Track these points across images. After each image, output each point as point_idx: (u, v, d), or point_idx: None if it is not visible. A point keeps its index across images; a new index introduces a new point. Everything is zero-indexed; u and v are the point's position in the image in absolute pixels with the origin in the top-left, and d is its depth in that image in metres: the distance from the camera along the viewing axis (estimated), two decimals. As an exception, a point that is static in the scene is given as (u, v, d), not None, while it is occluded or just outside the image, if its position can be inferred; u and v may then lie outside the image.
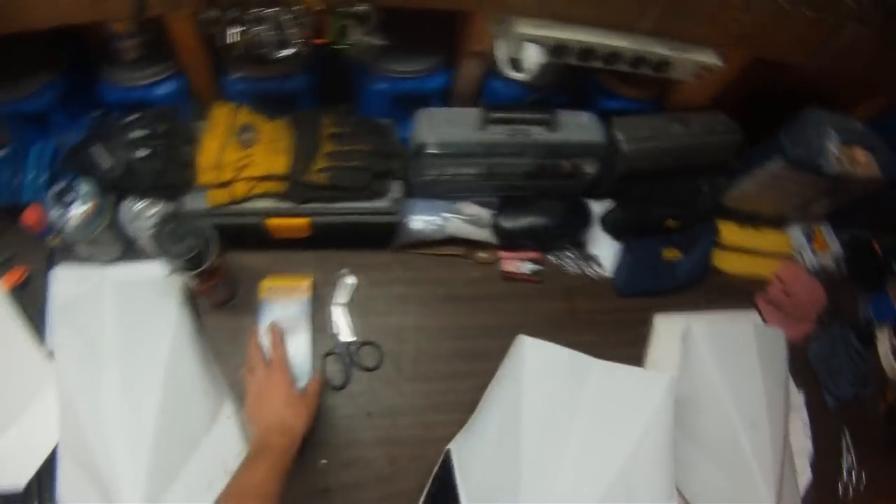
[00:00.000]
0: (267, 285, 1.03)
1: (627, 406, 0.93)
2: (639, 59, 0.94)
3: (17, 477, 0.90)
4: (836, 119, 1.01)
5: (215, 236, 0.88)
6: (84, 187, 0.95)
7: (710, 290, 1.15)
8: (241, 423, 0.95)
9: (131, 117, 0.96)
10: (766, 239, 1.18)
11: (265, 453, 0.81)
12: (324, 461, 0.97)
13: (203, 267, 0.87)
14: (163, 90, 1.00)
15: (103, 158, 0.94)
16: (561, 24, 0.91)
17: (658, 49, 0.93)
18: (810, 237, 1.19)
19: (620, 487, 0.86)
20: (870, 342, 1.16)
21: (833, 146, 0.98)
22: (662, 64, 0.95)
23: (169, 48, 0.96)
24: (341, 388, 1.01)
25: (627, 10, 0.89)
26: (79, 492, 0.88)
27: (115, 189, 0.98)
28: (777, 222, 1.20)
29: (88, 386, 0.90)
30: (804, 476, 1.05)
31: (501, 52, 0.95)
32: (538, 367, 0.93)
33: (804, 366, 1.13)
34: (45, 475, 0.91)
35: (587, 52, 0.93)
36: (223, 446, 0.91)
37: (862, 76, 0.99)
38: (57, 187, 0.94)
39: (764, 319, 1.14)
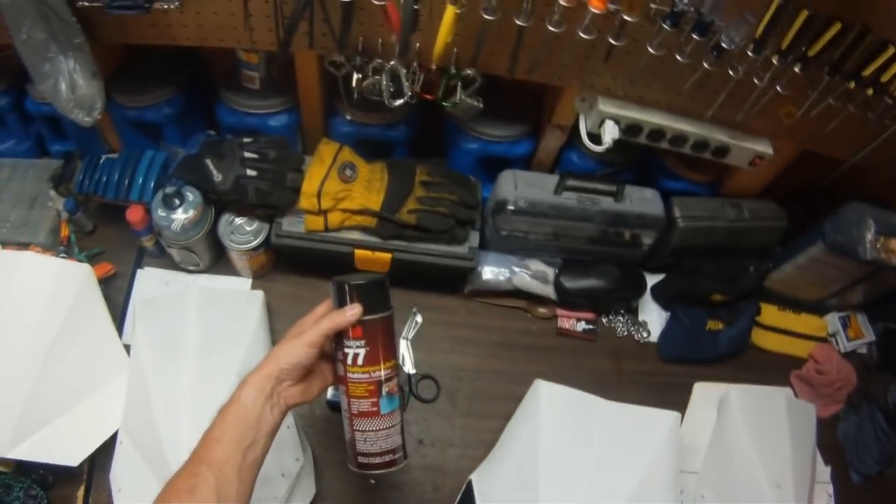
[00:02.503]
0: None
1: (636, 440, 1.04)
2: (701, 144, 1.09)
3: (74, 454, 0.98)
4: (876, 213, 1.15)
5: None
6: (192, 195, 1.08)
7: (747, 365, 1.27)
8: (300, 433, 1.03)
9: (246, 140, 1.10)
10: (803, 322, 1.31)
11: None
12: (372, 481, 1.06)
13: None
14: (276, 121, 1.16)
15: (215, 171, 1.07)
16: (638, 106, 1.06)
17: (719, 136, 1.08)
18: (846, 324, 1.32)
19: None
20: (896, 425, 1.26)
21: (871, 235, 1.12)
22: (722, 150, 1.10)
23: (289, 84, 1.12)
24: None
25: (697, 99, 1.04)
26: (135, 473, 0.97)
27: (220, 202, 1.11)
28: (815, 308, 1.33)
29: (164, 378, 1.00)
30: (829, 547, 1.14)
31: (583, 126, 1.10)
32: (554, 406, 1.05)
33: (832, 442, 1.23)
34: (100, 457, 1.00)
35: (657, 133, 1.08)
36: (282, 452, 0.99)
37: None
38: (167, 190, 1.06)
39: (797, 395, 1.25)
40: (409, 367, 1.15)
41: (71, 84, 0.96)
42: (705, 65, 0.94)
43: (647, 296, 1.28)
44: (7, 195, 1.21)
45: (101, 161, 1.14)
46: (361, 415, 0.80)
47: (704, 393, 1.21)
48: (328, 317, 0.78)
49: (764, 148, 1.10)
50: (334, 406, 1.10)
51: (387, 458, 0.81)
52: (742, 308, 1.25)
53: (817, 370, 1.26)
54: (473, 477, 1.02)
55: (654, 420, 1.07)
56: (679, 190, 1.22)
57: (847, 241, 1.14)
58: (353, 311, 0.77)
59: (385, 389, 0.80)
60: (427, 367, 1.16)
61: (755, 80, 0.95)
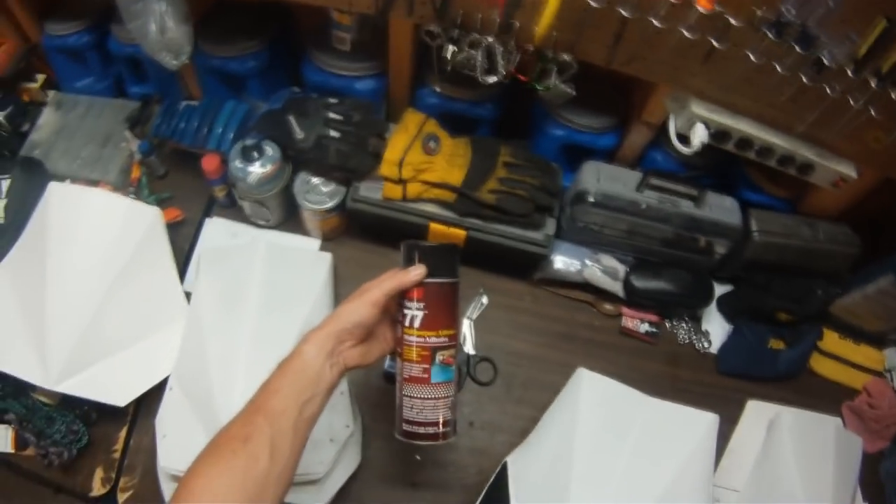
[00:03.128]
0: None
1: (672, 438, 1.02)
2: (787, 159, 1.08)
3: (122, 394, 0.98)
4: None
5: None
6: (271, 150, 1.07)
7: (801, 389, 1.25)
8: (352, 401, 1.03)
9: (331, 100, 1.09)
10: (862, 353, 1.29)
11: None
12: (418, 457, 1.05)
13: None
14: (363, 85, 1.15)
15: (297, 129, 1.07)
16: (731, 112, 1.05)
17: (806, 152, 1.07)
18: (904, 360, 1.31)
19: None
20: (943, 471, 1.25)
21: None
22: (806, 167, 1.08)
23: (379, 49, 1.11)
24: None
25: (789, 112, 1.02)
26: (182, 421, 0.96)
27: (299, 160, 1.10)
28: (876, 340, 1.31)
29: (223, 328, 0.99)
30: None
31: (672, 126, 1.09)
32: (594, 396, 1.04)
33: (873, 479, 1.21)
34: (147, 400, 1.00)
35: (746, 142, 1.07)
36: (333, 417, 0.98)
37: None
38: (247, 142, 1.05)
39: (846, 426, 1.24)
40: (469, 348, 1.14)
41: (161, 26, 0.96)
42: (803, 79, 0.93)
43: (713, 306, 1.26)
44: (81, 132, 1.21)
45: (181, 107, 1.14)
46: (412, 380, 0.80)
47: (757, 411, 1.20)
48: (392, 275, 0.78)
49: (848, 170, 1.08)
50: (390, 377, 1.08)
51: (430, 429, 0.81)
52: (805, 330, 1.23)
53: (869, 403, 1.24)
54: (509, 459, 1.01)
55: (693, 420, 1.05)
56: (757, 202, 1.20)
57: (918, 278, 1.13)
58: (417, 270, 0.77)
59: (439, 358, 0.79)
60: (486, 350, 1.15)
61: (851, 101, 0.94)
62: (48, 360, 0.95)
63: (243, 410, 0.69)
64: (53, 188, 1.01)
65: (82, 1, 1.19)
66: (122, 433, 1.01)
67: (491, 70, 1.02)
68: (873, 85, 0.90)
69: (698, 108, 1.04)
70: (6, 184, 1.10)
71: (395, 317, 0.82)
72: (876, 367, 1.30)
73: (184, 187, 1.19)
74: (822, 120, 1.01)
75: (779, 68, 0.93)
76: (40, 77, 1.26)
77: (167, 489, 0.95)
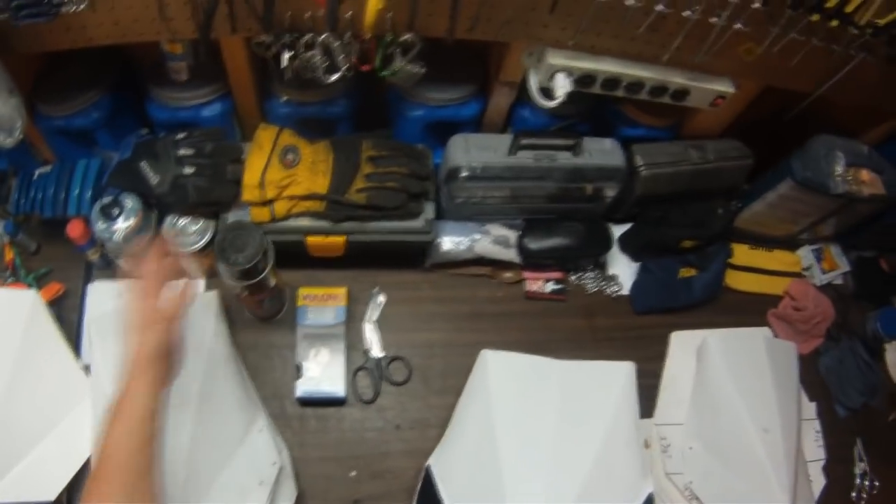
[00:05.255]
0: (304, 293, 1.12)
1: (593, 398, 1.03)
2: (659, 89, 1.05)
3: (49, 488, 0.96)
4: (845, 144, 1.13)
5: (272, 248, 0.96)
6: (130, 202, 1.04)
7: (723, 309, 1.25)
8: (273, 435, 1.01)
9: (179, 136, 1.05)
10: (776, 259, 1.29)
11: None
12: (353, 473, 1.05)
13: (259, 277, 0.95)
14: (210, 111, 1.10)
15: (151, 174, 1.03)
16: (591, 55, 1.02)
17: (677, 79, 1.04)
18: (820, 257, 1.31)
19: (600, 471, 0.96)
20: (878, 355, 1.26)
21: (840, 167, 1.10)
22: (681, 93, 1.06)
23: (218, 71, 1.06)
24: (371, 402, 1.10)
25: (651, 43, 1.00)
26: None
27: (161, 205, 1.07)
28: (788, 243, 1.31)
29: None
30: (818, 483, 1.14)
31: (533, 81, 1.05)
32: (503, 376, 1.03)
33: (815, 378, 1.23)
34: (78, 484, 0.97)
35: (612, 81, 1.04)
36: (256, 458, 0.97)
37: (868, 102, 1.10)
38: (104, 201, 1.02)
39: (776, 334, 1.24)
40: (376, 351, 1.12)
41: (-16, 106, 0.91)
42: (658, 7, 0.90)
43: (615, 249, 1.25)
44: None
45: (35, 177, 1.09)
46: None
47: (682, 342, 1.20)
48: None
49: (725, 87, 1.06)
50: (305, 402, 1.08)
51: None
52: (713, 252, 1.23)
53: (794, 307, 1.24)
54: (431, 461, 1.00)
55: (610, 372, 1.06)
56: (639, 137, 1.18)
57: (816, 176, 1.12)
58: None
59: None
60: (396, 349, 1.13)
61: (712, 20, 0.91)
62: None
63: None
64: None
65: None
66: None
67: (332, 68, 0.97)
68: (731, -1, 0.87)
69: (555, 59, 1.01)
70: None
71: None
72: (794, 269, 1.30)
73: (59, 258, 1.14)
74: (687, 44, 0.98)
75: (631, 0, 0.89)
76: None
77: None
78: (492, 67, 1.12)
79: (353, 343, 1.13)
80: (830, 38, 0.93)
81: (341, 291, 1.12)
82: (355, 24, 0.93)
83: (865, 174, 1.12)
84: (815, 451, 1.18)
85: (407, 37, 0.96)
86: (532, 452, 0.97)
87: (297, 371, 1.06)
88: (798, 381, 1.15)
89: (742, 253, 1.28)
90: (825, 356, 1.25)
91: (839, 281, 1.32)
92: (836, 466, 1.17)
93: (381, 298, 1.17)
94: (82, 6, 0.87)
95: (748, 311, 1.26)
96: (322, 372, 1.07)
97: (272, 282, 1.02)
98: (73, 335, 1.08)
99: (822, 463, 1.17)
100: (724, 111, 1.13)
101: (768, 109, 1.20)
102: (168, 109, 1.09)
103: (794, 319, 1.24)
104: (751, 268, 1.28)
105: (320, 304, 1.11)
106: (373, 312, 1.16)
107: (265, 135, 1.07)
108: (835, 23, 0.89)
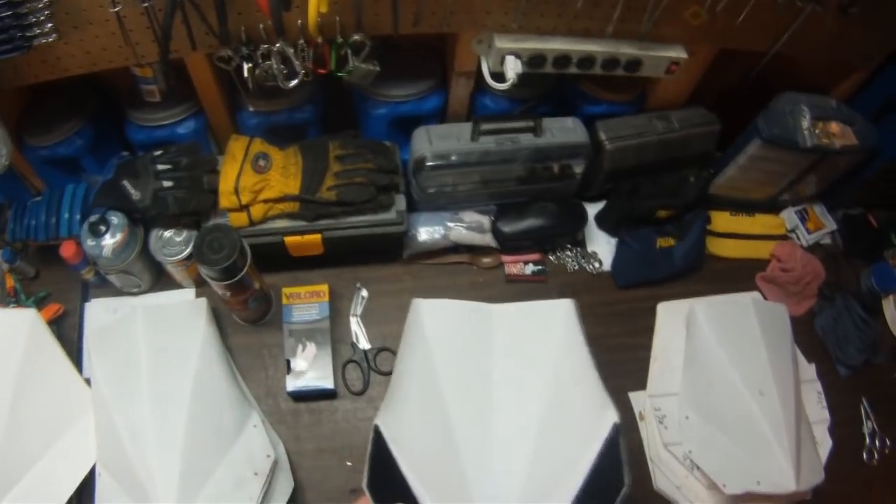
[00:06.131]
0: (287, 292, 1.15)
1: (537, 337, 1.00)
2: (611, 61, 1.07)
3: (59, 496, 1.00)
4: (810, 99, 1.13)
5: (248, 249, 1.01)
6: (115, 219, 1.09)
7: (709, 277, 1.25)
8: (268, 431, 1.04)
9: (156, 153, 1.11)
10: (760, 223, 1.29)
11: None
12: (349, 463, 1.07)
13: (239, 276, 1.00)
14: (184, 129, 1.17)
15: (132, 191, 1.09)
16: (536, 36, 1.05)
17: (627, 49, 1.06)
18: (804, 217, 1.30)
19: (556, 410, 0.92)
20: (875, 311, 1.24)
21: (806, 121, 1.10)
22: (633, 63, 1.08)
23: (189, 90, 1.13)
24: (361, 393, 1.12)
25: (595, 17, 1.03)
26: (114, 499, 0.98)
27: (145, 219, 1.12)
28: (770, 207, 1.31)
29: (124, 404, 1.01)
30: (825, 445, 1.12)
31: (485, 67, 1.09)
32: (440, 324, 1.00)
33: (812, 339, 1.21)
34: (85, 493, 1.01)
35: (563, 59, 1.07)
36: (252, 451, 1.00)
37: (828, 56, 1.11)
38: (91, 219, 1.08)
39: (766, 298, 1.23)
40: (363, 344, 1.16)
41: (-30, 136, 0.98)
42: None
43: (593, 226, 1.27)
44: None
45: (28, 206, 1.16)
46: None
47: (669, 312, 1.20)
48: None
49: (677, 53, 1.08)
50: (297, 396, 1.11)
51: None
52: (690, 220, 1.23)
53: (782, 268, 1.24)
54: (378, 422, 0.95)
55: (551, 311, 1.02)
56: (602, 114, 1.20)
57: (784, 132, 1.12)
58: None
59: None
60: (382, 340, 1.16)
61: None
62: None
63: None
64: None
65: None
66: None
67: (290, 74, 1.03)
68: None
69: (502, 43, 1.04)
70: None
71: None
72: (778, 231, 1.29)
73: (57, 281, 1.21)
74: (630, 14, 1.01)
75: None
76: None
77: None
78: (448, 60, 1.16)
79: (341, 337, 1.16)
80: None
81: (323, 288, 1.15)
82: (304, 30, 0.99)
83: (835, 126, 1.12)
84: (818, 412, 1.16)
85: (356, 37, 1.01)
86: (482, 400, 0.94)
87: (287, 367, 1.10)
88: (792, 342, 1.13)
89: (723, 220, 1.28)
90: (820, 316, 1.23)
91: (827, 241, 1.31)
92: (844, 428, 1.15)
93: (365, 293, 1.20)
94: (52, 38, 0.93)
95: (736, 277, 1.25)
96: (310, 366, 1.10)
97: (254, 282, 1.07)
98: (74, 352, 1.14)
99: (827, 424, 1.15)
100: (683, 78, 1.15)
101: (735, 77, 1.21)
102: (145, 130, 1.16)
103: (784, 281, 1.23)
104: (734, 234, 1.27)
105: (304, 302, 1.14)
106: (357, 307, 1.19)
107: (237, 145, 1.12)
108: (769, -29, 0.90)
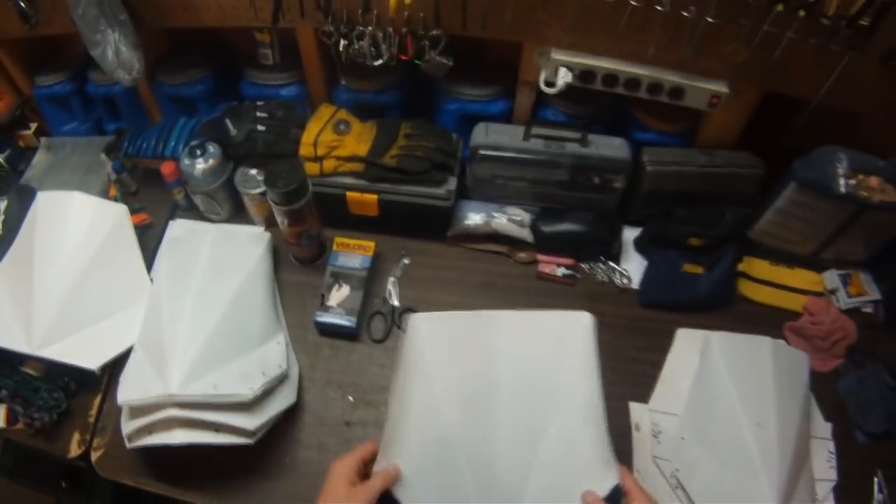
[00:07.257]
0: (339, 241, 1.30)
1: (549, 356, 0.92)
2: (655, 86, 1.18)
3: (95, 360, 1.15)
4: (853, 153, 1.16)
5: (309, 185, 1.18)
6: (212, 148, 1.29)
7: (736, 317, 1.27)
8: (289, 351, 1.16)
9: (259, 103, 1.33)
10: (798, 277, 1.30)
11: None
12: (350, 398, 1.16)
13: (299, 203, 1.16)
14: (287, 92, 1.40)
15: (232, 128, 1.29)
16: (589, 54, 1.19)
17: (670, 77, 1.17)
18: (847, 281, 1.29)
19: (562, 448, 0.87)
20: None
21: (843, 169, 1.14)
22: (676, 90, 1.18)
23: (297, 60, 1.34)
24: (381, 341, 1.22)
25: (639, 42, 1.14)
26: (140, 373, 1.09)
27: (236, 155, 1.32)
28: (812, 264, 1.32)
29: (173, 296, 1.15)
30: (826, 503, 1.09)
31: (541, 76, 1.23)
32: (440, 344, 0.95)
33: (832, 398, 1.19)
34: (117, 371, 1.14)
35: (611, 77, 1.19)
36: (268, 359, 1.11)
37: (872, 111, 1.14)
38: (193, 143, 1.29)
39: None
40: (394, 300, 1.27)
41: (116, 50, 1.22)
42: (631, 1, 1.05)
43: (630, 248, 1.34)
44: (68, 167, 1.48)
45: (144, 130, 1.39)
46: None
47: (687, 338, 1.22)
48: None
49: (718, 87, 1.16)
50: (323, 330, 1.22)
51: None
52: (723, 254, 1.27)
53: (811, 322, 1.24)
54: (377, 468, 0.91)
55: (567, 325, 0.94)
56: (651, 141, 1.30)
57: (819, 176, 1.16)
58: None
59: None
60: (411, 302, 1.27)
61: (684, 13, 1.04)
62: (32, 332, 1.14)
63: None
64: (40, 196, 1.27)
65: (64, 54, 1.50)
66: (97, 400, 1.18)
67: (377, 55, 1.22)
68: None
69: (558, 55, 1.19)
70: (3, 205, 1.36)
71: None
72: (815, 288, 1.29)
73: (152, 200, 1.42)
74: (668, 42, 1.11)
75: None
76: (33, 125, 1.54)
77: (126, 425, 1.06)
78: (518, 69, 1.31)
79: (376, 292, 1.28)
80: (805, 31, 1.00)
81: (371, 244, 1.29)
82: (394, 18, 1.18)
83: (875, 180, 1.15)
84: (825, 471, 1.12)
85: (435, 32, 1.19)
86: (487, 436, 0.88)
87: (321, 300, 1.22)
88: (807, 391, 1.12)
89: (762, 268, 1.30)
90: (845, 377, 1.21)
91: (868, 309, 1.29)
92: (850, 494, 1.09)
93: (407, 260, 1.33)
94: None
95: (764, 322, 1.25)
96: (340, 304, 1.22)
97: (309, 217, 1.22)
98: (149, 257, 1.31)
99: (832, 484, 1.11)
100: (730, 119, 1.23)
101: (781, 126, 1.27)
102: (256, 87, 1.40)
103: (812, 334, 1.22)
104: (770, 282, 1.29)
105: (351, 251, 1.28)
106: (397, 270, 1.31)
107: (325, 110, 1.31)
108: (802, 13, 0.98)
